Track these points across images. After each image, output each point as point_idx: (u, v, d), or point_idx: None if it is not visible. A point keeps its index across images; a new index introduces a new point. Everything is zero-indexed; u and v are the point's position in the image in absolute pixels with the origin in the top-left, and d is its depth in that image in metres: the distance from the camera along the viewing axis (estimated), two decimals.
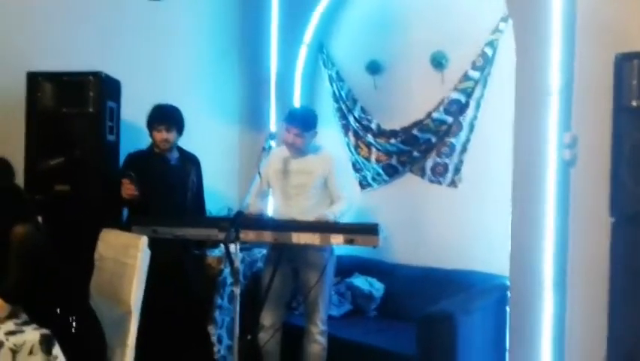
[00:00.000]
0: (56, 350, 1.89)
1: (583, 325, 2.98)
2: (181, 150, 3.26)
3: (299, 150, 3.07)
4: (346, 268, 3.87)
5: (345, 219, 3.08)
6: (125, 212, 3.23)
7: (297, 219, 2.94)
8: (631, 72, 2.36)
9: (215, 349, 3.40)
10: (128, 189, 2.92)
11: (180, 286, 3.16)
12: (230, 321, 3.40)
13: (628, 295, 2.42)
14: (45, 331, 1.90)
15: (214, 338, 3.40)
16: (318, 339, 3.05)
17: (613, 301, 2.50)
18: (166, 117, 3.11)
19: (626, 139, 2.40)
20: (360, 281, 3.74)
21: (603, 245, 2.63)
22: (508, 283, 3.11)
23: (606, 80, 2.65)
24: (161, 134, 3.09)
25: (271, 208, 3.47)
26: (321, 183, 3.07)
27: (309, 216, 2.94)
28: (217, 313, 3.42)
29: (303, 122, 3.05)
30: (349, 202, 3.14)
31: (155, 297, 3.09)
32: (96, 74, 3.07)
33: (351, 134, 4.05)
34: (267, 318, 3.06)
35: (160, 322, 3.13)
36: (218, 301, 3.43)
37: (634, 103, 2.38)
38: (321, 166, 3.08)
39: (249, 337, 2.90)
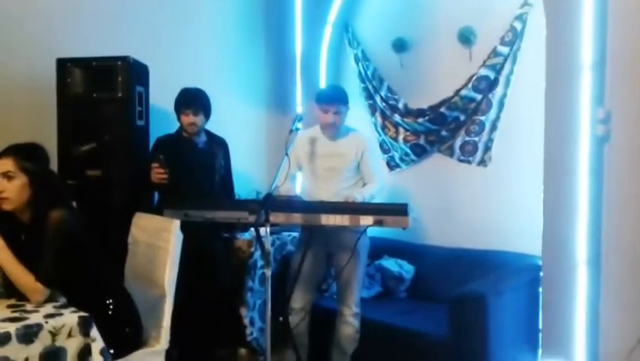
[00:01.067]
0: (94, 332, 1.93)
1: (618, 304, 2.93)
2: (209, 134, 3.28)
3: (337, 130, 3.05)
4: (376, 250, 3.85)
5: (376, 201, 3.07)
6: (156, 196, 3.26)
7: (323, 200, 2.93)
8: None
9: (248, 331, 3.44)
10: (158, 172, 2.95)
11: (211, 270, 3.20)
12: (261, 304, 3.43)
13: None
14: (83, 313, 1.94)
15: (246, 321, 3.44)
16: (350, 321, 3.06)
17: None
18: (192, 101, 3.12)
19: None
20: (389, 263, 3.73)
21: (638, 222, 2.57)
22: (540, 263, 3.07)
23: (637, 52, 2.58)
24: (188, 118, 3.11)
25: (299, 190, 3.46)
26: (354, 166, 3.06)
27: (340, 199, 2.93)
28: (249, 296, 3.45)
29: (340, 98, 3.05)
30: (381, 185, 3.12)
31: (186, 281, 3.19)
32: (124, 59, 3.09)
33: (378, 114, 4.01)
34: (297, 301, 3.08)
35: (192, 305, 3.20)
36: (250, 283, 3.46)
37: None
38: (354, 148, 3.06)
39: (280, 319, 2.92)
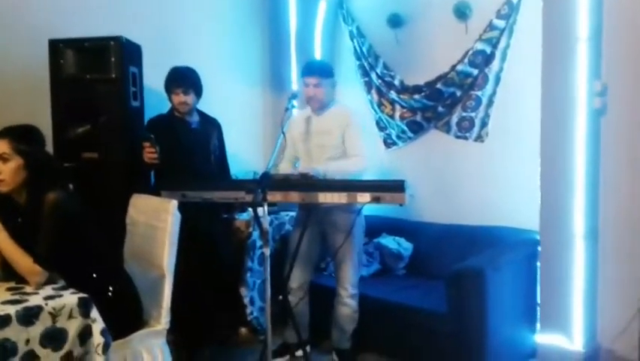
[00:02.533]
0: (94, 313, 1.93)
1: (615, 278, 2.95)
2: (202, 114, 3.25)
3: (320, 104, 3.01)
4: (374, 228, 3.87)
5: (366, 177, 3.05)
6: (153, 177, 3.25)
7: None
8: None
9: (248, 311, 3.46)
10: (149, 152, 2.90)
11: (211, 251, 3.20)
12: (261, 283, 3.45)
13: None
14: (83, 295, 1.94)
15: (246, 300, 3.46)
16: (347, 302, 3.07)
17: None
18: (182, 80, 3.08)
19: None
20: (388, 241, 3.75)
21: (636, 194, 2.58)
22: (537, 237, 3.08)
23: (637, 24, 2.56)
24: (179, 97, 3.08)
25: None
26: (340, 142, 3.01)
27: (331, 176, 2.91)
28: (248, 276, 3.46)
29: (320, 70, 3.01)
30: (361, 164, 2.98)
31: (186, 262, 3.19)
32: (117, 39, 3.05)
33: (374, 91, 3.98)
34: (295, 280, 3.08)
35: (192, 286, 3.21)
36: (249, 263, 3.47)
37: None
38: (338, 123, 3.02)
39: (280, 298, 2.93)
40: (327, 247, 3.14)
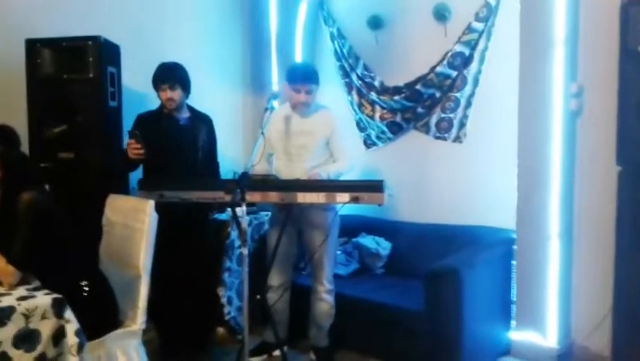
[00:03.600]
0: (68, 314, 1.92)
1: (589, 276, 3.01)
2: (192, 110, 3.21)
3: (308, 108, 3.03)
4: (353, 227, 3.89)
5: (350, 178, 3.07)
6: (131, 178, 3.23)
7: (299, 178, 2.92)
8: (637, 16, 2.30)
9: (226, 310, 3.45)
10: (134, 148, 2.87)
11: (190, 250, 3.18)
12: (239, 283, 3.44)
13: (634, 245, 2.42)
14: (56, 295, 1.92)
15: (224, 300, 3.45)
16: (325, 298, 3.08)
17: (619, 252, 2.51)
18: (168, 75, 3.05)
19: (634, 86, 2.36)
20: (367, 240, 3.76)
21: (610, 195, 2.62)
22: (514, 236, 3.13)
23: (613, 27, 2.60)
24: (165, 93, 3.04)
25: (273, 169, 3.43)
26: (323, 144, 3.04)
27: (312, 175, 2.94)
28: (226, 276, 3.46)
29: (312, 77, 3.02)
30: (350, 164, 3.10)
31: (165, 261, 3.18)
32: (94, 39, 3.03)
33: (354, 92, 4.00)
34: (275, 278, 3.09)
35: (171, 285, 3.20)
36: (227, 263, 3.46)
37: None
38: (323, 126, 3.04)
39: (258, 297, 2.93)
40: (304, 245, 3.14)
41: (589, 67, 2.94)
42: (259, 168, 2.98)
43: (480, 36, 3.39)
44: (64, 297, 1.93)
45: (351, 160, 3.12)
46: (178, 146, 3.07)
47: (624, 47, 2.39)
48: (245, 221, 2.42)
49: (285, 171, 3.01)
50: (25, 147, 2.98)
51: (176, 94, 3.05)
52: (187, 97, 3.16)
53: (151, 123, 3.07)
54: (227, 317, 3.47)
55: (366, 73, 3.91)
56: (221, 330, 3.54)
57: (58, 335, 1.91)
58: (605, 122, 2.79)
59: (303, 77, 3.00)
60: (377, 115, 3.88)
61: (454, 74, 3.49)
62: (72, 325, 1.92)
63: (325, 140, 3.04)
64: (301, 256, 3.29)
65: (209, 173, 3.17)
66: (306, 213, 3.00)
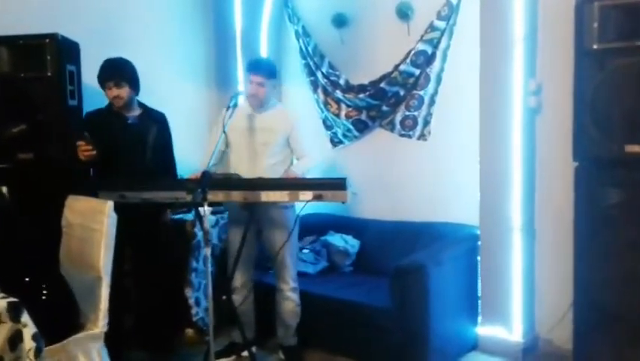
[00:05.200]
0: (25, 318, 1.87)
1: (552, 270, 3.07)
2: (144, 108, 3.12)
3: (260, 102, 3.00)
4: (322, 226, 3.90)
5: (313, 175, 3.07)
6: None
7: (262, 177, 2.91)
8: (591, 15, 2.35)
9: (193, 311, 3.42)
10: (85, 150, 2.79)
11: (156, 252, 3.14)
12: (206, 284, 3.40)
13: (592, 239, 2.47)
14: (12, 299, 1.87)
15: (191, 301, 3.41)
16: (290, 296, 3.08)
17: (577, 246, 2.56)
18: (114, 72, 2.95)
19: (588, 83, 2.41)
20: (335, 238, 3.77)
21: (569, 190, 2.68)
22: (478, 232, 3.17)
23: (570, 25, 2.65)
24: (111, 92, 2.94)
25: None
26: (283, 141, 3.03)
27: (273, 175, 2.93)
28: (193, 276, 3.42)
29: (267, 69, 3.00)
30: (315, 160, 3.12)
31: (131, 263, 3.14)
32: (52, 36, 2.96)
33: (320, 90, 4.00)
34: (238, 279, 3.07)
35: (137, 286, 3.16)
36: (194, 264, 3.43)
37: (595, 46, 2.37)
38: (283, 123, 3.03)
39: (223, 298, 2.91)
40: (263, 245, 3.13)
41: (547, 65, 3.01)
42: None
43: (442, 34, 3.43)
44: (20, 300, 1.88)
45: (315, 157, 3.14)
46: (126, 145, 2.97)
47: (579, 46, 2.44)
48: (207, 221, 2.40)
49: (246, 168, 2.97)
50: None
51: (123, 91, 2.94)
52: (136, 94, 3.06)
53: (98, 122, 2.99)
54: (195, 318, 3.43)
55: (331, 71, 3.92)
56: (189, 331, 3.51)
57: (15, 340, 1.85)
58: (562, 118, 2.84)
59: (256, 68, 2.99)
60: (343, 113, 3.89)
61: (417, 72, 3.52)
62: (29, 329, 1.86)
63: (285, 137, 3.03)
64: (261, 256, 3.26)
65: (161, 173, 3.06)
66: (265, 212, 2.98)
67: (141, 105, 3.12)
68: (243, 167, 2.98)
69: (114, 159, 2.92)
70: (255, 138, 2.97)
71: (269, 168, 2.97)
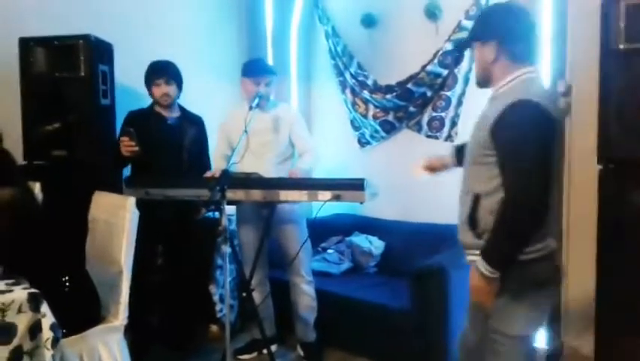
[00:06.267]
0: (44, 308, 1.94)
1: (573, 273, 2.97)
2: (183, 110, 3.24)
3: (268, 102, 3.04)
4: (347, 227, 3.91)
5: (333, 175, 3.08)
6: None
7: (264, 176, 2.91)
8: (617, 14, 2.28)
9: (217, 308, 3.48)
10: (128, 145, 2.90)
11: (187, 248, 3.22)
12: (231, 280, 3.46)
13: (617, 243, 2.40)
14: (33, 290, 1.95)
15: (215, 298, 3.48)
16: (305, 290, 3.09)
17: (602, 250, 2.48)
18: (163, 70, 3.10)
19: (614, 84, 2.34)
20: (359, 239, 3.77)
21: (594, 194, 2.60)
22: None
23: (599, 25, 2.57)
24: (161, 89, 3.08)
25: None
26: (285, 139, 3.06)
27: (277, 174, 2.95)
28: (218, 273, 3.49)
29: (271, 69, 3.08)
30: (316, 154, 3.10)
31: (158, 257, 3.22)
32: (86, 37, 3.06)
33: (348, 91, 4.00)
34: (254, 277, 3.09)
35: (167, 282, 3.24)
36: (219, 261, 3.49)
37: (621, 46, 2.30)
38: (283, 121, 3.05)
39: (243, 294, 2.95)
40: (275, 240, 3.15)
41: (577, 66, 2.92)
42: (218, 165, 3.02)
43: None
44: (40, 292, 1.96)
45: (317, 151, 3.12)
46: (163, 145, 3.09)
47: (605, 46, 2.37)
48: (225, 218, 2.44)
49: (250, 169, 2.96)
50: (19, 145, 3.07)
51: (172, 89, 3.10)
52: (179, 95, 3.19)
53: (140, 121, 3.10)
54: (219, 314, 3.50)
55: (359, 71, 3.92)
56: (214, 327, 3.58)
57: (35, 329, 1.93)
58: (593, 120, 2.75)
59: (262, 70, 3.04)
60: (370, 114, 3.89)
61: (444, 72, 3.49)
62: (48, 319, 1.94)
63: (287, 135, 3.06)
64: (274, 253, 3.27)
65: (196, 174, 3.13)
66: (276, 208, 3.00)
67: (180, 108, 3.22)
68: (246, 167, 2.96)
69: (151, 158, 3.01)
70: (257, 138, 2.94)
71: (273, 167, 3.00)
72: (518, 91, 1.80)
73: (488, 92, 3.27)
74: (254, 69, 3.06)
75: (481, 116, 1.93)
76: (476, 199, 1.87)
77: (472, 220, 1.88)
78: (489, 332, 1.94)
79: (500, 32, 1.86)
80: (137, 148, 2.90)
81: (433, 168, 2.33)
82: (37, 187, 2.78)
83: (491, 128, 1.77)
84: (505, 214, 1.75)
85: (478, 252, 1.86)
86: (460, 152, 2.19)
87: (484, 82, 1.97)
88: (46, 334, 1.93)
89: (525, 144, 1.72)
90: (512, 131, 1.73)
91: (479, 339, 2.05)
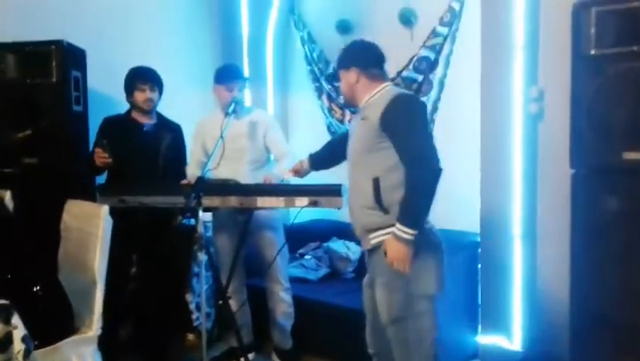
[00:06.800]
0: (15, 320, 1.89)
1: (552, 279, 3.01)
2: (160, 117, 3.20)
3: (242, 108, 3.04)
4: (325, 233, 3.90)
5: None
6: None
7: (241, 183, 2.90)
8: (588, 20, 2.32)
9: (194, 316, 3.45)
10: (101, 157, 2.87)
11: (161, 256, 3.18)
12: (207, 289, 3.43)
13: (589, 247, 2.43)
14: (3, 301, 1.90)
15: (192, 306, 3.44)
16: (282, 297, 3.08)
17: (574, 254, 2.52)
18: (148, 76, 3.07)
19: (586, 89, 2.37)
20: (337, 245, 3.77)
21: (569, 198, 2.64)
22: (478, 239, 3.14)
23: (570, 31, 2.62)
24: (145, 94, 3.05)
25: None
26: (260, 145, 3.06)
27: (253, 180, 2.93)
28: (194, 281, 3.45)
29: (242, 75, 3.09)
30: (293, 158, 3.03)
31: (135, 265, 3.18)
32: (58, 43, 3.02)
33: (324, 97, 4.02)
34: (231, 284, 3.07)
35: (140, 290, 3.19)
36: (195, 269, 3.46)
37: (592, 52, 2.34)
38: (258, 126, 3.05)
39: (220, 302, 2.92)
40: (252, 247, 3.13)
41: (549, 71, 2.96)
42: (192, 173, 2.99)
43: (445, 40, 3.42)
44: (11, 303, 1.91)
45: (292, 155, 3.10)
46: (139, 152, 3.05)
47: (576, 51, 2.41)
48: (201, 225, 2.42)
49: (225, 175, 2.93)
50: None
51: (155, 95, 3.10)
52: (159, 101, 3.17)
53: (115, 128, 3.07)
54: (195, 323, 3.46)
55: (335, 77, 3.91)
56: (190, 336, 3.54)
57: (6, 341, 1.87)
58: (565, 125, 2.79)
59: (234, 75, 3.04)
60: (347, 119, 3.90)
61: (420, 78, 3.52)
62: (19, 331, 1.89)
63: (262, 140, 3.06)
64: (250, 259, 3.26)
65: (171, 181, 3.09)
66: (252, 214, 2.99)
67: (158, 114, 3.19)
68: (222, 174, 2.92)
69: (127, 165, 2.96)
70: (232, 145, 2.88)
71: (249, 173, 2.98)
72: (389, 93, 2.25)
73: (464, 97, 3.37)
74: (226, 75, 3.04)
75: (353, 123, 2.45)
76: (376, 182, 2.21)
77: (379, 200, 2.20)
78: (409, 298, 2.22)
79: (357, 59, 2.39)
80: (109, 160, 2.87)
81: (297, 171, 2.74)
82: (7, 195, 2.72)
83: (380, 119, 2.17)
84: (414, 178, 2.14)
85: (389, 229, 2.16)
86: (315, 159, 2.72)
87: (351, 102, 2.47)
88: (18, 346, 1.88)
89: (414, 120, 2.18)
90: (402, 113, 2.16)
91: (373, 317, 2.41)
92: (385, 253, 2.17)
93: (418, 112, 2.22)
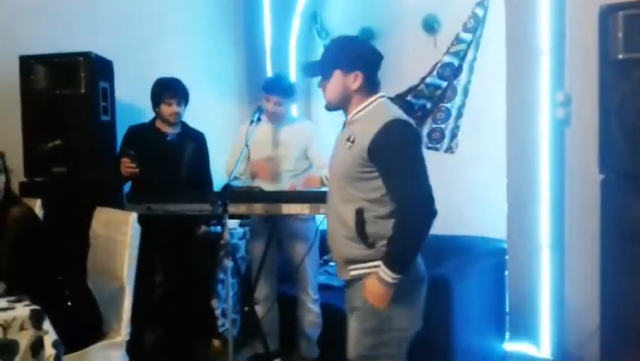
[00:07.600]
0: (46, 325, 1.94)
1: (581, 286, 2.96)
2: (184, 126, 3.24)
3: (280, 119, 3.07)
4: None
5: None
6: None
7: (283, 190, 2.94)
8: (616, 24, 2.29)
9: (220, 322, 3.46)
10: (128, 167, 2.92)
11: (186, 263, 3.20)
12: (233, 295, 3.44)
13: (619, 254, 2.39)
14: (35, 307, 1.95)
15: (218, 312, 3.46)
16: (310, 308, 3.09)
17: (604, 261, 2.48)
18: (177, 90, 3.12)
19: (614, 94, 2.34)
20: None
21: (598, 204, 2.60)
22: (505, 246, 3.10)
23: (597, 35, 2.59)
24: (172, 108, 3.09)
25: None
26: (300, 154, 3.08)
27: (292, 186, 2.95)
28: (220, 287, 3.47)
29: (283, 91, 3.06)
30: None
31: (160, 273, 3.21)
32: (86, 55, 3.09)
33: None
34: (261, 291, 3.10)
35: (163, 297, 3.22)
36: (221, 275, 3.47)
37: (620, 56, 2.31)
38: (300, 136, 3.08)
39: (246, 309, 2.94)
40: (285, 256, 3.15)
41: (576, 76, 2.93)
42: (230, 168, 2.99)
43: (469, 47, 3.40)
44: (42, 309, 1.95)
45: None
46: (162, 161, 3.08)
47: (604, 55, 2.38)
48: (227, 232, 2.44)
49: (258, 182, 3.01)
50: (20, 162, 3.07)
51: (182, 108, 3.15)
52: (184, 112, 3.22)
53: (140, 137, 3.11)
54: (221, 329, 3.47)
55: None
56: (216, 342, 3.55)
57: (37, 346, 1.93)
58: (592, 130, 2.76)
59: (271, 88, 3.07)
60: None
61: (443, 84, 3.50)
62: (50, 336, 1.94)
63: (303, 150, 3.08)
64: (283, 268, 3.28)
65: (195, 189, 3.15)
66: (286, 224, 3.01)
67: (182, 123, 3.23)
68: (259, 182, 3.00)
69: (150, 174, 3.00)
70: (274, 152, 3.00)
71: (288, 180, 3.01)
72: (381, 113, 1.99)
73: (488, 103, 3.35)
74: (266, 86, 3.12)
75: (338, 140, 2.11)
76: (360, 213, 1.97)
77: (362, 233, 1.97)
78: (381, 336, 2.05)
79: (365, 63, 2.06)
80: (137, 170, 2.92)
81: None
82: (37, 204, 2.78)
83: (369, 147, 1.92)
84: (404, 223, 1.92)
85: (371, 264, 1.97)
86: None
87: (337, 107, 2.13)
88: (49, 351, 1.92)
89: (408, 154, 1.94)
90: (395, 145, 1.91)
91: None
92: (364, 286, 1.99)
93: (412, 144, 1.98)
